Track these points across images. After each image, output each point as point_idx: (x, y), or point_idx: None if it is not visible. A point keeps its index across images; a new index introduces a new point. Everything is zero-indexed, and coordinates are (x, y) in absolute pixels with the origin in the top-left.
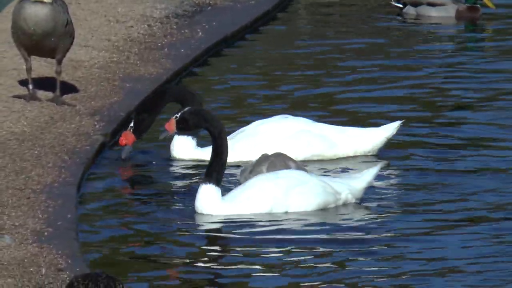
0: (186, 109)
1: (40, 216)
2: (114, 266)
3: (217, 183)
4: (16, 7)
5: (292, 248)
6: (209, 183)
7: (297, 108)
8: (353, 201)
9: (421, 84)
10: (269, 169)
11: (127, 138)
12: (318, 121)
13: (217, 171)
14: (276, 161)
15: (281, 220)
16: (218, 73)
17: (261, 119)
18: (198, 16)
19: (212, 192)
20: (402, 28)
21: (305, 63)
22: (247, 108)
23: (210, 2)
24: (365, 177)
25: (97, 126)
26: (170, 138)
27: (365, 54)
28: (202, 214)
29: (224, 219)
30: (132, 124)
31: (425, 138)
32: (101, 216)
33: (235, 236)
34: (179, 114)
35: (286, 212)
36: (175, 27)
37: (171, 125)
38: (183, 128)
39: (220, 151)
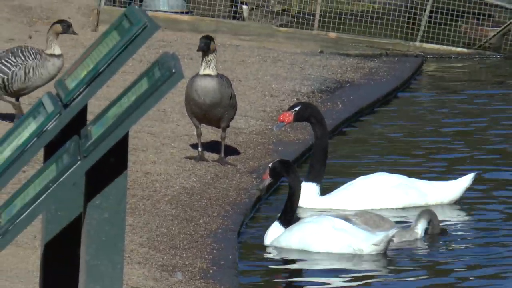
0: (302, 105)
1: (206, 256)
2: None
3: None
4: (189, 81)
5: None
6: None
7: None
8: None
9: None
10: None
11: (286, 117)
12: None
13: (289, 214)
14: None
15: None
16: (350, 143)
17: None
18: (339, 91)
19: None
20: None
21: (425, 139)
22: (359, 170)
23: (349, 80)
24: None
25: (254, 182)
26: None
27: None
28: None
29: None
30: (297, 109)
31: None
32: (257, 257)
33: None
34: (298, 107)
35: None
36: (319, 100)
37: (287, 116)
38: (299, 120)
39: (295, 196)
